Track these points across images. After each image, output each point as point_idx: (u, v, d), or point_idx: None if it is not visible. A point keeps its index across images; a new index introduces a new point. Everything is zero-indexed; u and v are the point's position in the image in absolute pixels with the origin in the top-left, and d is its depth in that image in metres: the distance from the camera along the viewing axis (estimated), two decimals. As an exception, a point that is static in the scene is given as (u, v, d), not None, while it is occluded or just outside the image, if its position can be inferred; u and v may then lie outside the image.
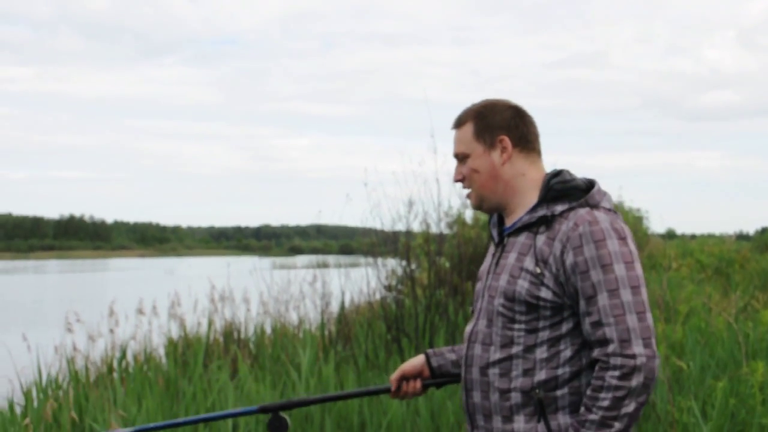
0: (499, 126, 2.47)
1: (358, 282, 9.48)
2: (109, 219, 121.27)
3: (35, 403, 6.73)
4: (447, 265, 9.47)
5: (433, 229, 9.03)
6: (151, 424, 2.79)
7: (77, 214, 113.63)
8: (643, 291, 2.28)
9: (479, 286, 2.52)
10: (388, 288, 9.35)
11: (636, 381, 2.20)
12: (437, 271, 8.86)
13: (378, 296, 9.38)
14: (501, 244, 2.48)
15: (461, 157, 2.51)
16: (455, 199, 13.62)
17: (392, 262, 9.48)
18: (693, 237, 28.64)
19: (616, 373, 2.21)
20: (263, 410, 2.66)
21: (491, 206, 2.51)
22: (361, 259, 9.79)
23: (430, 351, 2.69)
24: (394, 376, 2.69)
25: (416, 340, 8.16)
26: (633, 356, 2.21)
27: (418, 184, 9.37)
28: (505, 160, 2.46)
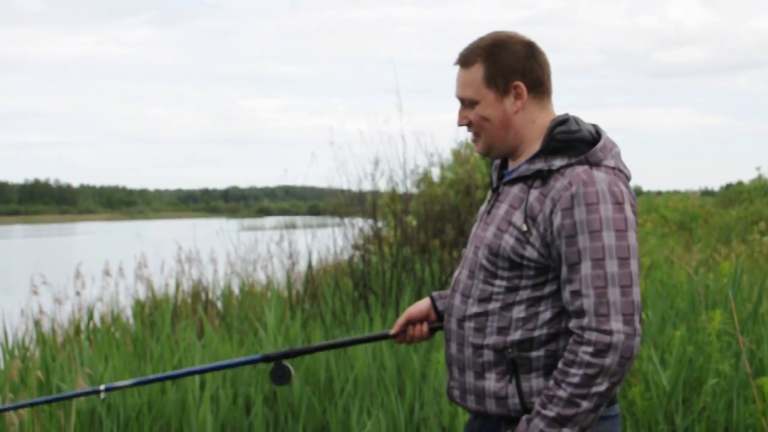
0: (513, 70, 2.23)
1: (326, 241, 9.53)
2: (75, 183, 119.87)
3: (1, 365, 6.72)
4: (414, 223, 9.52)
5: (400, 188, 9.07)
6: (146, 377, 2.69)
7: (42, 178, 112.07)
8: (633, 263, 2.11)
9: (474, 228, 2.37)
10: (355, 246, 9.39)
11: (610, 359, 2.06)
12: (404, 229, 8.92)
13: (345, 255, 9.43)
14: (496, 192, 2.32)
15: (468, 103, 2.28)
16: (421, 158, 13.66)
17: (359, 222, 9.51)
18: (659, 194, 28.85)
19: (590, 349, 2.07)
20: (266, 359, 2.55)
21: (499, 154, 2.32)
22: (329, 220, 9.82)
23: (435, 294, 2.53)
24: (400, 320, 2.53)
25: (383, 297, 8.23)
26: (609, 332, 2.06)
27: (383, 142, 9.36)
28: (518, 108, 2.24)
